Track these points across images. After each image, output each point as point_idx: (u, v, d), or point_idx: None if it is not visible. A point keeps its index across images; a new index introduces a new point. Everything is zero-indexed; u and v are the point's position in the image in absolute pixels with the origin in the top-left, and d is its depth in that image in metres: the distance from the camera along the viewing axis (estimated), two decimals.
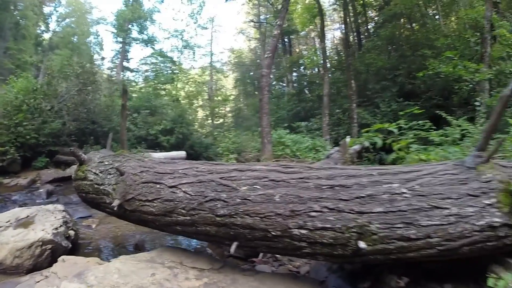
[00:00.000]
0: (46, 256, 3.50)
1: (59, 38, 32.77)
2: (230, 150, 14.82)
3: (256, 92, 30.37)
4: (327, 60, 22.74)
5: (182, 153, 12.73)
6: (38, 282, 2.86)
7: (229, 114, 36.08)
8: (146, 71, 33.03)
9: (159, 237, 4.77)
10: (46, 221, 3.87)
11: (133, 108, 16.68)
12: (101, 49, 38.75)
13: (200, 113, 32.21)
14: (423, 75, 12.97)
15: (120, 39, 33.33)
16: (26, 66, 24.87)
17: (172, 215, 2.68)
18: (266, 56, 14.01)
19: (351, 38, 25.10)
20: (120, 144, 4.22)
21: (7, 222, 3.76)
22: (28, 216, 3.94)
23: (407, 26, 22.61)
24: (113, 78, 22.89)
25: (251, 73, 36.38)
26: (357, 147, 4.04)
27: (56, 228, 3.78)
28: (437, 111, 7.51)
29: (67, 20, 35.85)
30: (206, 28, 34.86)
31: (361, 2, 25.26)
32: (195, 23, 33.26)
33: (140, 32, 34.13)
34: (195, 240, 4.48)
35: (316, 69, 29.96)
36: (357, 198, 2.14)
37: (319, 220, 2.12)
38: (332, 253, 2.15)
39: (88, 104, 13.89)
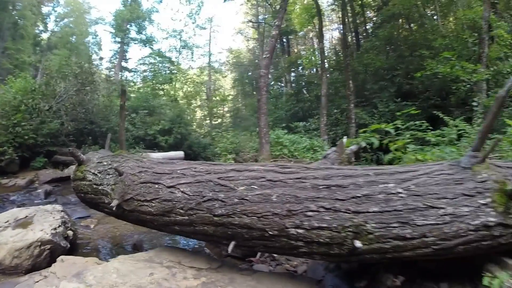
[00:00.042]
0: (45, 256, 3.50)
1: (57, 38, 32.73)
2: (228, 150, 14.85)
3: (254, 92, 30.46)
4: (325, 60, 22.75)
5: (180, 153, 12.72)
6: (37, 282, 2.86)
7: (227, 114, 36.12)
8: (145, 71, 32.95)
9: (157, 237, 4.79)
10: (45, 221, 3.88)
11: (131, 108, 16.67)
12: (100, 49, 38.76)
13: (198, 113, 32.22)
14: (421, 75, 13.00)
15: (118, 39, 33.30)
16: (24, 66, 24.90)
17: (170, 215, 2.69)
18: (264, 56, 14.04)
19: (349, 39, 25.15)
20: (119, 144, 4.24)
21: (5, 222, 3.77)
22: (26, 216, 3.94)
23: (406, 26, 22.67)
24: (112, 78, 22.83)
25: (250, 73, 36.38)
26: (354, 147, 4.07)
27: (55, 229, 3.79)
28: (435, 111, 7.55)
29: (66, 20, 35.81)
30: (204, 28, 34.84)
31: (360, 2, 25.31)
32: (193, 23, 33.28)
33: (139, 32, 34.10)
34: (193, 240, 4.50)
35: (314, 69, 30.00)
36: (353, 198, 2.16)
37: (315, 219, 2.13)
38: (329, 252, 2.17)
39: (86, 104, 13.87)
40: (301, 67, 32.11)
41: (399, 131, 5.07)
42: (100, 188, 3.33)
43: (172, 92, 28.09)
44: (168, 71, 30.46)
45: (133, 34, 34.20)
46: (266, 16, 31.19)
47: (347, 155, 3.53)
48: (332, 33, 36.05)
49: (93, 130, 13.50)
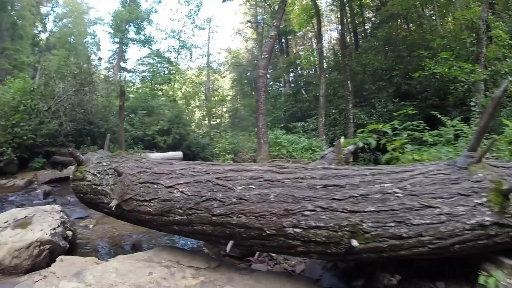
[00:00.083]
0: (44, 256, 3.52)
1: (56, 38, 32.67)
2: (227, 150, 14.88)
3: (253, 93, 30.46)
4: (323, 61, 22.80)
5: (179, 154, 12.75)
6: (37, 282, 2.87)
7: (226, 115, 36.17)
8: (143, 71, 33.04)
9: (156, 237, 4.80)
10: (44, 221, 3.89)
11: (130, 108, 16.68)
12: (98, 49, 38.68)
13: (197, 114, 32.21)
14: (419, 75, 13.06)
15: (117, 40, 33.25)
16: (23, 66, 24.87)
17: (169, 214, 2.71)
18: (262, 57, 14.09)
19: (348, 39, 25.20)
20: (118, 145, 4.25)
21: (5, 222, 3.78)
22: (26, 216, 3.95)
23: (404, 26, 22.71)
24: (110, 79, 22.82)
25: (248, 74, 36.43)
26: (351, 147, 4.09)
27: (54, 229, 3.79)
28: (433, 112, 7.58)
29: (64, 20, 35.75)
30: (203, 29, 34.97)
31: (358, 2, 25.33)
32: (192, 23, 33.40)
33: (137, 32, 34.07)
34: (191, 240, 4.53)
35: (313, 70, 30.02)
36: (350, 197, 2.17)
37: (312, 219, 2.15)
38: (326, 251, 2.19)
39: (85, 104, 13.89)
40: (299, 68, 32.15)
41: (396, 131, 5.09)
42: (99, 188, 3.34)
43: (170, 93, 28.13)
44: (167, 72, 30.51)
45: (131, 34, 34.23)
46: (265, 17, 31.19)
47: (345, 155, 3.56)
48: (331, 34, 36.15)
49: (92, 131, 13.51)
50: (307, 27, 30.91)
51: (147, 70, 32.24)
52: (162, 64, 31.63)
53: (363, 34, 26.97)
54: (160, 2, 34.78)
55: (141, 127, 15.97)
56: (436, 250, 2.11)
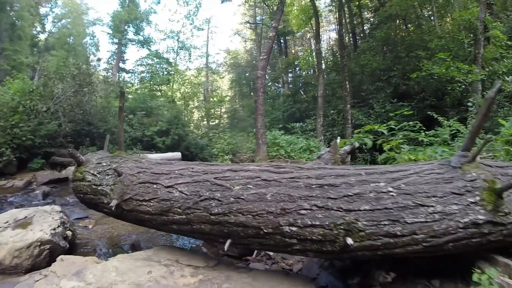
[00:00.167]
0: (44, 256, 3.53)
1: (55, 39, 32.67)
2: (225, 151, 14.88)
3: (252, 93, 30.48)
4: (322, 62, 22.83)
5: (178, 154, 12.77)
6: (38, 281, 2.88)
7: (225, 115, 36.18)
8: (142, 72, 33.00)
9: (155, 237, 4.83)
10: (44, 221, 3.91)
11: (128, 109, 16.69)
12: (97, 50, 38.73)
13: (196, 114, 32.23)
14: (416, 76, 13.09)
15: (116, 40, 33.23)
16: (22, 67, 24.83)
17: (168, 214, 2.73)
18: (261, 58, 14.14)
19: (346, 40, 25.23)
20: (118, 146, 4.27)
21: (5, 223, 3.79)
22: (26, 217, 3.97)
23: (402, 27, 22.74)
24: (109, 80, 22.83)
25: (247, 74, 36.46)
26: (347, 148, 4.14)
27: (54, 229, 3.81)
28: (430, 112, 7.61)
29: (63, 21, 35.78)
30: (202, 29, 34.98)
31: (357, 3, 25.37)
32: (191, 24, 33.39)
33: (136, 33, 34.03)
34: (190, 240, 4.56)
35: (312, 70, 30.06)
36: (345, 196, 2.21)
37: (308, 217, 2.18)
38: (322, 249, 2.21)
39: (84, 105, 13.91)
40: (298, 68, 32.18)
41: (393, 131, 5.14)
42: (99, 188, 3.36)
43: (169, 93, 28.14)
44: (166, 72, 30.52)
45: (130, 35, 34.17)
46: (263, 17, 31.26)
47: (341, 156, 3.60)
48: (329, 34, 36.23)
49: (91, 131, 13.53)
50: (306, 28, 30.96)
51: (146, 71, 32.25)
52: (161, 65, 31.64)
53: (361, 35, 27.03)
54: (159, 2, 34.86)
55: (140, 128, 15.99)
56: (430, 248, 2.15)
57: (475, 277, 2.18)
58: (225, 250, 2.50)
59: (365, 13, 27.53)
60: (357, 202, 2.18)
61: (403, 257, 2.37)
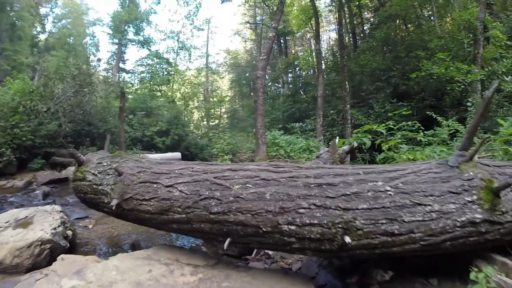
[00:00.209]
0: (45, 256, 3.54)
1: (55, 39, 32.68)
2: (225, 151, 14.90)
3: (252, 93, 30.48)
4: (322, 62, 22.85)
5: (177, 155, 12.79)
6: (38, 280, 2.88)
7: (225, 116, 36.20)
8: (142, 72, 33.02)
9: (154, 237, 4.85)
10: (45, 221, 3.92)
11: (129, 109, 16.72)
12: (97, 50, 38.77)
13: (196, 115, 32.24)
14: (416, 76, 13.11)
15: (116, 41, 33.23)
16: (22, 67, 24.85)
17: (168, 213, 2.74)
18: (261, 58, 14.15)
19: (346, 40, 25.24)
20: (118, 146, 4.29)
21: (6, 222, 3.80)
22: (26, 216, 3.98)
23: (402, 27, 22.76)
24: (109, 80, 22.85)
25: (247, 74, 36.49)
26: (346, 147, 4.16)
27: (55, 228, 3.82)
28: (430, 112, 7.63)
29: (63, 21, 35.81)
30: (202, 30, 35.02)
31: (357, 3, 25.38)
32: (191, 24, 33.42)
33: (136, 33, 34.04)
34: (190, 240, 4.58)
35: (312, 71, 30.09)
36: (343, 195, 2.22)
37: (307, 216, 2.19)
38: (320, 248, 2.22)
39: (84, 105, 13.93)
40: (298, 68, 32.20)
41: (392, 131, 5.16)
42: (100, 188, 3.37)
43: (169, 94, 28.17)
44: (166, 73, 30.54)
45: (130, 35, 34.18)
46: (263, 17, 31.28)
47: (340, 155, 3.62)
48: (329, 34, 36.26)
49: (91, 132, 13.55)
50: (306, 28, 30.98)
51: (146, 71, 32.27)
52: (161, 65, 31.66)
53: (361, 35, 27.05)
54: (159, 3, 34.89)
55: (139, 128, 16.02)
56: (428, 247, 2.16)
57: (472, 276, 2.19)
58: (225, 249, 2.52)
59: (365, 13, 27.55)
60: (355, 201, 2.19)
61: (401, 256, 2.39)
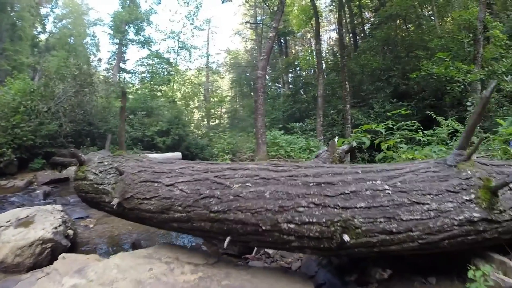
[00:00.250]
0: (46, 255, 3.54)
1: (55, 39, 32.65)
2: (225, 150, 14.91)
3: (252, 93, 30.50)
4: (322, 61, 22.86)
5: (178, 154, 12.81)
6: (40, 278, 2.89)
7: (225, 115, 36.21)
8: (143, 72, 33.03)
9: (155, 236, 4.86)
10: (46, 220, 3.93)
11: (129, 109, 16.74)
12: (98, 50, 38.73)
13: (196, 115, 32.26)
14: (416, 76, 13.11)
15: (116, 41, 33.21)
16: (23, 67, 24.84)
17: (169, 212, 2.76)
18: (261, 58, 14.16)
19: (347, 39, 25.24)
20: (119, 145, 4.30)
21: (7, 222, 3.81)
22: (28, 216, 3.99)
23: (403, 27, 22.76)
24: (110, 80, 22.87)
25: (247, 74, 36.51)
26: (345, 147, 4.18)
27: (56, 228, 3.83)
28: (429, 112, 7.65)
29: (64, 21, 35.78)
30: (202, 30, 35.04)
31: (357, 3, 25.38)
32: (191, 24, 33.44)
33: (137, 33, 34.01)
34: (190, 238, 4.60)
35: (312, 70, 30.10)
36: (341, 194, 2.24)
37: (306, 215, 2.21)
38: (319, 246, 2.24)
39: (84, 105, 13.95)
40: (298, 68, 32.20)
41: (392, 131, 5.17)
42: (101, 187, 3.39)
43: (170, 94, 28.19)
44: (166, 72, 30.55)
45: (131, 35, 34.13)
46: (264, 17, 31.28)
47: (339, 154, 3.64)
48: (330, 34, 36.27)
49: (92, 132, 13.57)
50: (306, 28, 31.00)
51: (146, 71, 32.26)
52: (162, 65, 31.66)
53: (362, 35, 27.04)
54: (159, 3, 34.89)
55: (140, 128, 16.04)
56: (426, 245, 2.18)
57: (470, 274, 2.22)
58: (225, 247, 2.53)
59: (366, 13, 27.54)
60: (354, 200, 2.21)
61: (399, 255, 2.40)
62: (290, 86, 32.05)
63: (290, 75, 33.33)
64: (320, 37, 24.11)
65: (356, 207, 2.18)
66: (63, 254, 3.27)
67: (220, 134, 18.64)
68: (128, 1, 32.67)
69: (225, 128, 25.92)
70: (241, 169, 2.69)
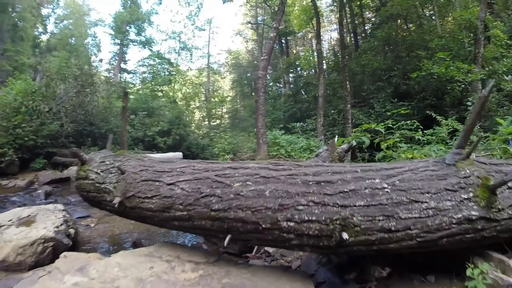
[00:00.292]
0: (47, 253, 3.56)
1: (57, 40, 32.72)
2: (226, 150, 14.91)
3: (253, 94, 30.49)
4: (323, 61, 22.85)
5: (179, 154, 12.81)
6: (41, 277, 2.90)
7: (226, 115, 36.23)
8: (144, 72, 33.02)
9: (155, 235, 4.88)
10: (47, 219, 3.95)
11: (130, 109, 16.77)
12: (99, 50, 38.76)
13: (197, 115, 32.27)
14: (417, 76, 13.11)
15: (117, 41, 33.24)
16: (24, 68, 24.88)
17: (170, 210, 2.78)
18: (262, 58, 14.17)
19: (348, 39, 25.23)
20: (121, 145, 4.33)
21: (9, 221, 3.83)
22: (29, 215, 4.01)
23: (404, 27, 22.75)
24: (111, 80, 22.90)
25: (248, 75, 36.51)
26: (345, 146, 4.18)
27: (57, 227, 3.85)
28: (430, 111, 7.65)
29: (65, 21, 35.84)
30: (203, 30, 35.07)
31: (358, 3, 25.36)
32: (192, 24, 33.49)
33: (138, 33, 33.99)
34: (191, 237, 4.63)
35: (313, 70, 30.08)
36: (341, 192, 2.26)
37: (305, 213, 2.23)
38: (318, 244, 2.26)
39: (86, 106, 13.97)
40: (299, 68, 32.18)
41: (392, 130, 5.19)
42: (102, 186, 3.41)
43: (171, 94, 28.22)
44: (167, 73, 30.57)
45: (132, 35, 34.11)
46: (265, 18, 31.28)
47: (338, 154, 3.65)
48: (331, 34, 36.25)
49: (93, 132, 13.61)
50: (307, 28, 30.98)
51: (147, 71, 32.25)
52: (163, 65, 31.66)
53: (362, 35, 27.02)
54: (160, 3, 35.01)
55: (141, 128, 16.07)
56: (424, 243, 2.19)
57: (468, 272, 2.23)
58: (225, 245, 2.54)
59: (367, 13, 27.52)
60: (353, 198, 2.23)
61: (398, 253, 2.42)
62: (291, 86, 32.03)
63: (291, 75, 33.31)
64: (321, 37, 24.13)
65: (355, 206, 2.20)
66: (64, 253, 3.29)
67: (221, 134, 18.65)
68: (129, 2, 32.70)
69: (226, 128, 25.96)
70: (241, 168, 2.71)
